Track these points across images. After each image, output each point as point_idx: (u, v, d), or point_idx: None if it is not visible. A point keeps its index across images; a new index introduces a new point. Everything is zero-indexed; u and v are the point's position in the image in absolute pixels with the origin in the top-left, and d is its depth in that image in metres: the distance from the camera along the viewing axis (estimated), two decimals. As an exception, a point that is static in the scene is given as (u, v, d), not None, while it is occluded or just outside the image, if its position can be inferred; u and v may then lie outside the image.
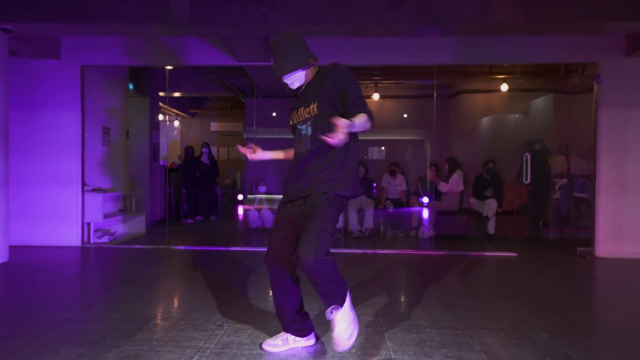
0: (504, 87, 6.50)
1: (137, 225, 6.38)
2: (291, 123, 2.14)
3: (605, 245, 4.99)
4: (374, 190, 7.04)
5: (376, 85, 6.98)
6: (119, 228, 6.23)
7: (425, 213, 6.61)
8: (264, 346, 2.21)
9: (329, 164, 1.96)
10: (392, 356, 2.15)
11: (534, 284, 3.81)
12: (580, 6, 3.77)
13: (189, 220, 7.89)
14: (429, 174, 6.83)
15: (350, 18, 3.86)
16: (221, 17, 3.90)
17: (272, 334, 2.40)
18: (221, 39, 4.64)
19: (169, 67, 6.10)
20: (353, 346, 2.12)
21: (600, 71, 5.00)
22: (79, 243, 5.30)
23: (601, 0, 3.77)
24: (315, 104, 1.99)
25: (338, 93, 1.96)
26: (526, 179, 5.32)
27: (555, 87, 6.62)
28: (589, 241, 5.21)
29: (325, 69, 2.06)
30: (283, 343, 2.19)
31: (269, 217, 6.79)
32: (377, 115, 7.68)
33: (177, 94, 8.78)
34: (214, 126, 9.82)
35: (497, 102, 7.20)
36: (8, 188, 4.47)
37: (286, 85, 2.12)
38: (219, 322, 2.60)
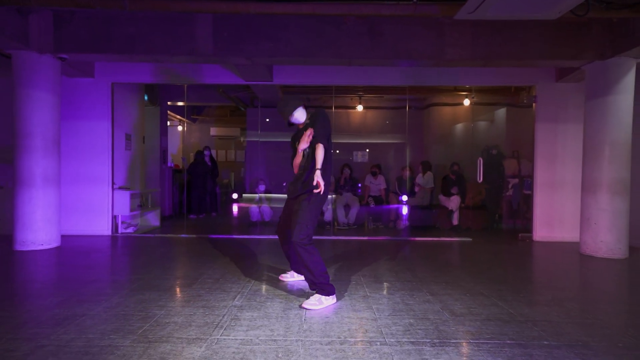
0: (466, 102, 7.74)
1: (154, 218, 7.38)
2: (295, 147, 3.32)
3: (541, 231, 6.26)
4: (359, 190, 8.19)
5: (360, 98, 8.15)
6: (139, 221, 7.22)
7: (405, 210, 7.82)
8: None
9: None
10: (368, 294, 3.29)
11: (478, 257, 5.01)
12: (512, 48, 4.99)
13: (193, 216, 8.91)
14: (403, 174, 8.04)
15: (339, 54, 4.99)
16: (238, 52, 4.98)
17: (281, 288, 3.50)
18: (234, 65, 5.70)
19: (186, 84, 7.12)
20: (342, 291, 3.31)
21: (537, 92, 6.26)
22: (109, 232, 6.29)
23: (529, 43, 4.99)
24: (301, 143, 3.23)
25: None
26: (479, 179, 6.54)
27: (508, 102, 7.91)
28: (529, 228, 6.48)
29: (313, 113, 3.25)
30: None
31: (268, 212, 7.88)
32: (361, 123, 8.92)
33: (180, 103, 9.78)
34: (213, 131, 10.83)
35: (462, 113, 8.45)
36: (60, 187, 5.45)
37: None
38: (246, 280, 3.69)
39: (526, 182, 7.94)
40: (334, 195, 7.36)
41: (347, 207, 7.60)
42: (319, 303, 2.95)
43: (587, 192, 5.15)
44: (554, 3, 3.68)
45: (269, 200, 8.10)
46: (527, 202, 8.03)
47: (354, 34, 4.98)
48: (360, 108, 8.25)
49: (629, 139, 4.93)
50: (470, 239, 6.27)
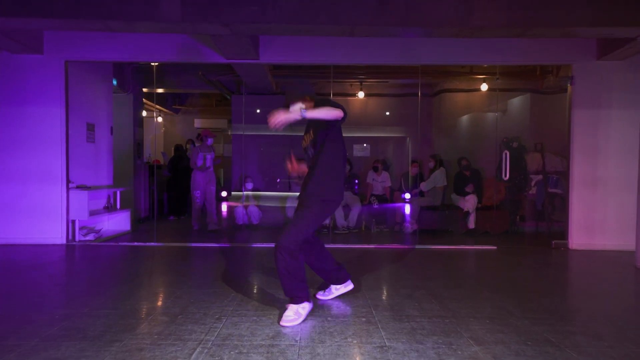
0: (484, 87, 6.73)
1: (122, 222, 6.33)
2: (303, 145, 2.82)
3: (578, 238, 5.29)
4: (356, 187, 7.18)
5: (361, 84, 7.11)
6: (104, 225, 6.18)
7: (408, 209, 6.82)
8: (317, 295, 3.01)
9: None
10: (386, 344, 2.29)
11: (513, 274, 4.03)
12: (557, 12, 3.98)
13: (174, 217, 7.88)
14: (412, 170, 7.03)
15: (338, 19, 3.96)
16: (212, 16, 3.93)
17: (270, 325, 2.50)
18: (211, 37, 4.65)
19: (155, 64, 6.06)
20: (348, 334, 2.36)
21: (573, 73, 5.27)
22: (63, 241, 5.24)
23: (575, 8, 3.99)
24: (315, 135, 2.72)
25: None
26: (505, 176, 5.56)
27: (531, 88, 6.91)
28: (563, 234, 5.51)
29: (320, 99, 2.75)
30: (328, 293, 3.02)
31: (256, 214, 6.86)
32: (362, 113, 7.83)
33: (160, 90, 8.70)
34: (198, 122, 9.76)
35: (477, 101, 7.45)
36: (-8, 186, 4.39)
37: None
38: (217, 316, 2.67)
39: (551, 178, 6.97)
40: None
41: (346, 207, 6.61)
42: (298, 316, 2.56)
43: (646, 192, 4.17)
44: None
45: (257, 199, 7.08)
46: (552, 202, 7.07)
47: (359, -7, 3.95)
48: (361, 95, 7.21)
49: (702, 125, 3.95)
50: (495, 247, 5.29)
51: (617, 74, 5.15)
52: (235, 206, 7.07)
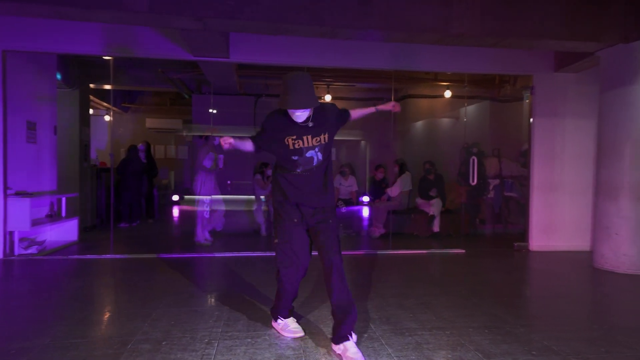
0: (448, 94, 6.92)
1: (69, 232, 5.70)
2: (296, 147, 2.36)
3: (538, 240, 5.56)
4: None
5: (328, 87, 7.02)
6: (47, 236, 5.52)
7: (366, 211, 6.85)
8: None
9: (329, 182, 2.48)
10: (393, 357, 2.18)
11: (489, 278, 4.12)
12: (526, 25, 4.14)
13: (125, 224, 7.27)
14: (377, 175, 7.06)
15: (322, 19, 3.82)
16: (185, 8, 3.62)
17: (268, 348, 2.30)
18: (180, 32, 4.30)
19: (108, 57, 5.52)
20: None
21: (534, 83, 5.54)
22: (0, 255, 4.60)
23: (544, 22, 4.17)
24: (326, 135, 2.40)
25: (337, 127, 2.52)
26: (473, 181, 5.72)
27: (490, 96, 7.22)
28: (522, 235, 5.77)
29: (327, 107, 2.48)
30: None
31: (220, 220, 6.49)
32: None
33: (107, 87, 8.01)
34: (150, 122, 9.13)
35: (440, 107, 7.65)
36: None
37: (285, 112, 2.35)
38: (206, 340, 2.42)
39: (507, 183, 7.33)
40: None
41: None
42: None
43: (604, 197, 4.46)
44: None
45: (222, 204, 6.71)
46: (507, 205, 7.43)
47: (341, -6, 3.83)
48: (328, 98, 7.12)
49: (652, 136, 4.30)
50: (463, 251, 5.41)
51: (573, 85, 5.50)
52: (197, 212, 6.66)
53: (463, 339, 2.49)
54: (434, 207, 6.64)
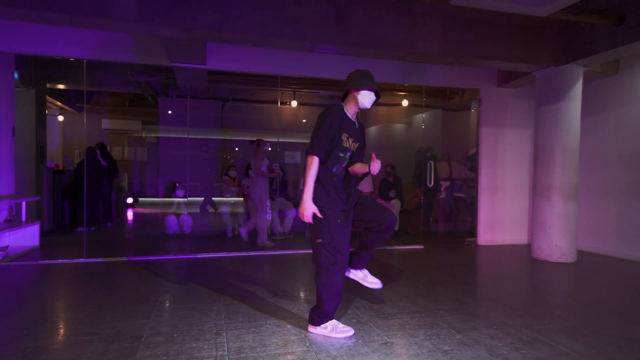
0: (405, 102, 7.50)
1: (30, 237, 5.51)
2: (346, 145, 2.57)
3: (484, 235, 6.27)
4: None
5: (294, 94, 7.32)
6: (8, 242, 5.30)
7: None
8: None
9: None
10: (387, 340, 2.55)
11: (447, 270, 4.64)
12: (482, 47, 4.74)
13: (83, 229, 7.06)
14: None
15: (303, 35, 4.13)
16: (173, 19, 3.77)
17: (274, 334, 2.57)
18: (163, 40, 4.39)
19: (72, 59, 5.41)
20: (353, 335, 2.61)
21: (481, 96, 6.24)
22: (-39, 263, 4.40)
23: (495, 45, 4.80)
24: (357, 145, 2.65)
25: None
26: (430, 183, 6.30)
27: (442, 105, 7.91)
28: (471, 232, 6.45)
29: (363, 126, 2.79)
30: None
31: (188, 222, 6.56)
32: (294, 121, 8.03)
33: (61, 86, 7.70)
34: (106, 123, 8.85)
35: (397, 114, 8.23)
36: None
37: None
38: (214, 331, 2.64)
39: (456, 184, 8.06)
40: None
41: (281, 213, 6.73)
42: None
43: (540, 196, 5.18)
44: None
45: (190, 206, 6.78)
46: (457, 205, 8.17)
47: (319, 12, 4.17)
48: (294, 104, 7.42)
49: (578, 144, 5.08)
50: (422, 247, 5.96)
51: (513, 99, 6.27)
52: (166, 215, 6.66)
53: (436, 319, 2.92)
54: (393, 208, 7.17)
